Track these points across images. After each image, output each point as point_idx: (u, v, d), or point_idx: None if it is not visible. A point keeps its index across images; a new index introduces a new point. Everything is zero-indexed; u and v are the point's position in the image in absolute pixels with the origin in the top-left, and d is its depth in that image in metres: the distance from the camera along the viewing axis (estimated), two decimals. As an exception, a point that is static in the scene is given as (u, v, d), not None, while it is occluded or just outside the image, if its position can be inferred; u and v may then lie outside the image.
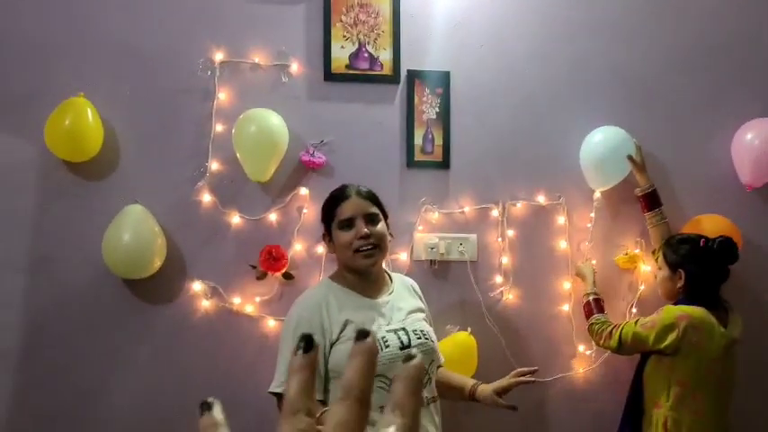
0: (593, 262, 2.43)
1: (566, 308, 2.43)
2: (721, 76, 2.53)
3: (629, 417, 2.16)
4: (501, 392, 1.86)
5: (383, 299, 1.79)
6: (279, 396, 1.67)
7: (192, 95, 2.35)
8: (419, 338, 1.76)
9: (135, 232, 2.17)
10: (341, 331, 1.68)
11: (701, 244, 2.10)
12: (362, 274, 1.78)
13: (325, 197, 1.87)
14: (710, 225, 2.33)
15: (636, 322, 2.10)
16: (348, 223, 1.74)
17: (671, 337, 1.99)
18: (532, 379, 1.91)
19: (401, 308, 1.81)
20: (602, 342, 2.16)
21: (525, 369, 1.92)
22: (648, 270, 2.43)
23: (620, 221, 2.48)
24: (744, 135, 2.46)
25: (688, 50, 2.53)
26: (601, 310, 2.25)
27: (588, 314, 2.26)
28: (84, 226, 2.25)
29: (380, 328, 1.71)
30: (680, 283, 2.11)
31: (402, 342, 1.72)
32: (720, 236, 2.11)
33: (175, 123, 2.34)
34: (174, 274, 2.31)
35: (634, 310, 2.45)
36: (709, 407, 2.03)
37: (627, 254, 2.45)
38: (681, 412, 2.01)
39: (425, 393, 1.78)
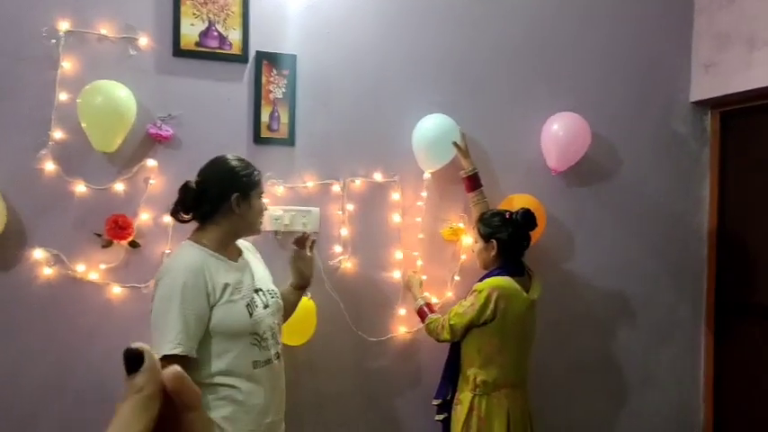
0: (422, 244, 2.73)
1: (396, 274, 2.71)
2: (535, 73, 2.91)
3: (448, 374, 2.50)
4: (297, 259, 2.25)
5: (242, 261, 1.95)
6: (171, 358, 1.68)
7: (35, 63, 2.33)
8: (272, 297, 1.98)
9: (-30, 199, 2.15)
10: (222, 293, 1.81)
11: (507, 216, 2.44)
12: (235, 239, 1.96)
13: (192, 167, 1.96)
14: (521, 203, 2.69)
15: (457, 312, 2.37)
16: (262, 196, 1.99)
17: (489, 310, 2.30)
18: (312, 238, 2.27)
19: (255, 269, 1.99)
20: (440, 337, 2.44)
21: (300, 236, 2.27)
22: (470, 242, 2.76)
23: (447, 199, 2.79)
24: (551, 126, 2.84)
25: (508, 49, 2.87)
26: (432, 311, 2.53)
27: (423, 317, 2.54)
28: None
29: (249, 290, 1.89)
30: (493, 252, 2.43)
31: (263, 302, 1.91)
32: (521, 208, 2.46)
33: (16, 90, 2.31)
34: (14, 242, 2.31)
35: (457, 277, 2.78)
36: (512, 359, 2.38)
37: (451, 227, 2.77)
38: (489, 369, 2.35)
39: (277, 348, 1.96)
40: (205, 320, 1.77)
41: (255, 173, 1.95)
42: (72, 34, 2.37)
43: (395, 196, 2.72)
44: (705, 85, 3.07)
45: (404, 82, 2.74)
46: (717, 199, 3.17)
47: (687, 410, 3.18)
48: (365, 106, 2.70)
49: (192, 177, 2.34)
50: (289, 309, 2.20)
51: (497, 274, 2.39)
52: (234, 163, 1.92)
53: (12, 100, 2.32)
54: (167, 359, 1.68)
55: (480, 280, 2.41)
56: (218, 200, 1.86)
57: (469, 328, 2.36)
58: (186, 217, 1.90)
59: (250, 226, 1.96)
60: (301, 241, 2.25)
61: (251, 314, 1.84)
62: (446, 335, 2.40)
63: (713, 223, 3.18)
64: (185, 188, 1.89)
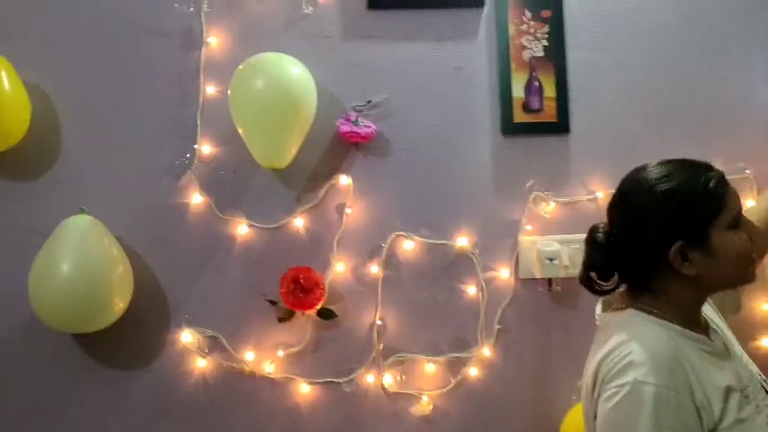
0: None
1: (764, 343, 1.58)
2: None
3: None
4: None
5: (716, 337, 1.16)
6: None
7: (168, 42, 1.62)
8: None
9: (80, 258, 1.43)
10: (724, 405, 1.04)
11: None
12: (703, 303, 1.17)
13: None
14: None
15: None
16: (738, 221, 1.12)
17: None
18: None
19: (736, 343, 1.21)
20: None
21: None
22: None
23: None
24: None
25: None
26: None
27: None
28: (3, 252, 1.56)
29: (757, 389, 1.10)
30: None
31: None
32: None
33: (144, 85, 1.62)
34: (150, 321, 1.59)
35: None
36: None
37: None
38: None
39: None
40: None
41: (711, 184, 1.10)
42: (218, -6, 1.61)
43: (748, 203, 1.61)
44: None
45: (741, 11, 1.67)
46: None
47: None
48: (681, 59, 1.69)
49: (411, 195, 1.71)
50: None
51: None
52: (666, 182, 1.10)
53: (138, 101, 1.63)
54: None
55: None
56: (646, 255, 1.10)
57: None
58: (607, 285, 1.18)
59: (727, 277, 1.14)
60: None
61: None
62: None
63: None
64: (592, 238, 1.18)
